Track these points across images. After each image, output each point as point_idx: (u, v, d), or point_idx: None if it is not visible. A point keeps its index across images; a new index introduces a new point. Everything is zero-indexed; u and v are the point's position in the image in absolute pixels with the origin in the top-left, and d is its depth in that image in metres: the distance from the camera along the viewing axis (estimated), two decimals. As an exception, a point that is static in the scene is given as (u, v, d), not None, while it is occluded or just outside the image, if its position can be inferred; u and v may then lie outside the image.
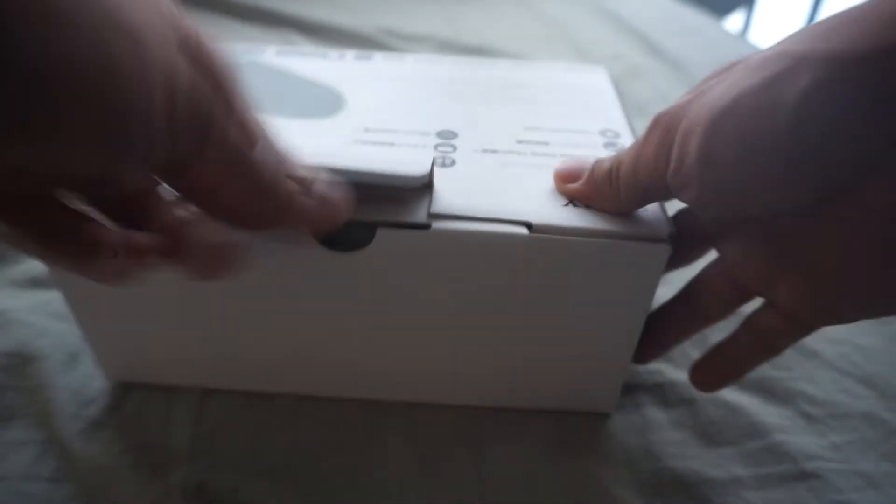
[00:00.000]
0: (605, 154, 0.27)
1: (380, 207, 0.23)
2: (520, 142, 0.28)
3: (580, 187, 0.24)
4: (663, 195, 0.22)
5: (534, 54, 0.64)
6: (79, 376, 0.30)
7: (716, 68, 0.21)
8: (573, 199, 0.24)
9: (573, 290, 0.25)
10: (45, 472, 0.26)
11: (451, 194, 0.24)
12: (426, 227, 0.23)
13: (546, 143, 0.28)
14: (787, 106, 0.17)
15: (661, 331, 0.27)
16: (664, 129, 0.20)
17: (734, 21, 1.47)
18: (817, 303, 0.21)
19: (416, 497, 0.27)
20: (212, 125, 0.16)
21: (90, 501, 0.26)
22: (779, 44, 0.18)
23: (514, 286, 0.25)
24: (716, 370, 0.26)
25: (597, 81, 0.35)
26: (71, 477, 0.26)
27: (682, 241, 0.24)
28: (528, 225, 0.23)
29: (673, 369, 0.32)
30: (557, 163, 0.25)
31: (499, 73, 0.35)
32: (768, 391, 0.31)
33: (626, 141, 0.29)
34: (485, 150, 0.27)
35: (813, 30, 0.18)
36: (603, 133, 0.29)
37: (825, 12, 1.31)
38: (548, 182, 0.25)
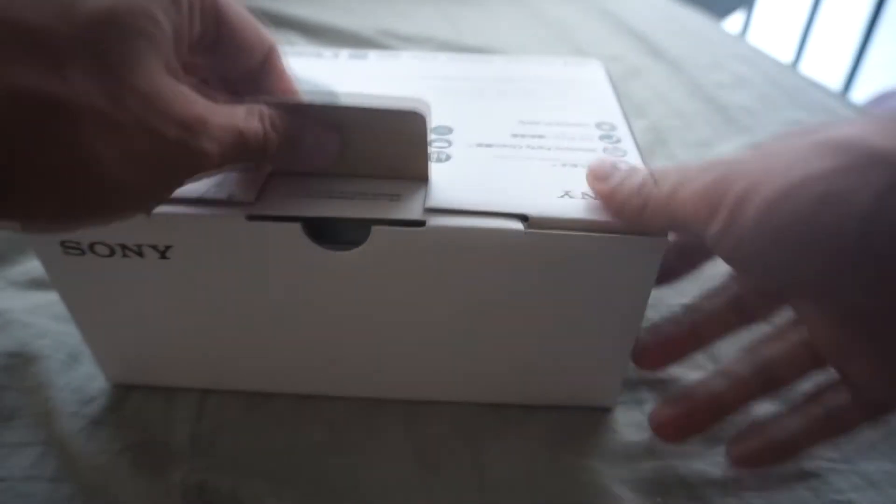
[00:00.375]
0: (600, 146, 0.27)
1: (375, 204, 0.23)
2: (515, 136, 0.28)
3: (607, 188, 0.23)
4: (689, 236, 0.21)
5: (533, 55, 0.64)
6: (79, 376, 0.30)
7: (783, 129, 0.21)
8: (597, 197, 0.24)
9: (571, 284, 0.25)
10: (45, 472, 0.26)
11: (446, 189, 0.24)
12: (421, 223, 0.23)
13: (542, 137, 0.28)
14: (859, 206, 0.16)
15: (692, 329, 0.27)
16: (718, 179, 0.20)
17: (734, 22, 1.47)
18: (891, 382, 0.20)
19: (416, 495, 0.27)
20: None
21: (90, 501, 0.26)
22: (853, 124, 0.18)
23: (511, 280, 0.25)
24: (770, 448, 0.25)
25: (592, 75, 0.35)
26: (71, 477, 0.26)
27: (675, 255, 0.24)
28: (525, 217, 0.23)
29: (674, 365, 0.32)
30: (558, 155, 0.26)
31: (493, 68, 0.35)
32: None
33: (622, 134, 0.29)
34: (480, 145, 0.27)
35: (889, 122, 0.17)
36: (599, 126, 0.29)
37: (823, 15, 1.31)
38: (544, 175, 0.25)
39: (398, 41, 0.67)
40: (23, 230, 0.18)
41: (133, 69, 0.15)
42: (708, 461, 0.28)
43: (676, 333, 0.27)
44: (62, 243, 0.24)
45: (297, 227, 0.23)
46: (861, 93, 1.22)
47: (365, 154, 0.24)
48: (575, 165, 0.26)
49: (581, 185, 0.25)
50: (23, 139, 0.14)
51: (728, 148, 0.51)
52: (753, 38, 1.42)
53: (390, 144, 0.23)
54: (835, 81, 1.20)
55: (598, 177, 0.24)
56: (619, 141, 0.28)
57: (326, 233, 0.23)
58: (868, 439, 0.29)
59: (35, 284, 0.35)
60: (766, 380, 0.25)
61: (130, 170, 0.16)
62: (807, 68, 0.81)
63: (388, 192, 0.24)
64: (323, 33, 0.68)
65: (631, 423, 0.30)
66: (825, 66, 1.31)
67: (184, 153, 0.17)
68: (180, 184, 0.18)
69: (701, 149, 0.51)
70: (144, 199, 0.18)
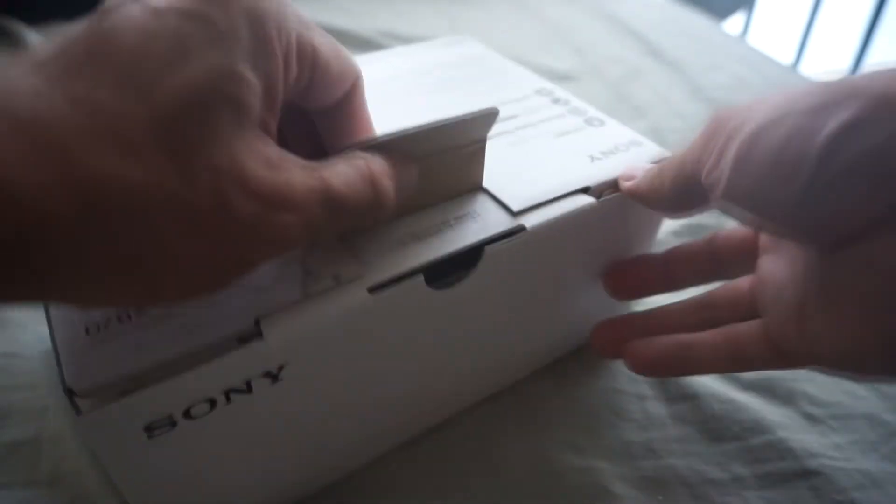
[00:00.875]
0: (561, 111, 0.30)
1: (465, 228, 0.22)
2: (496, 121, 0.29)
3: (635, 183, 0.24)
4: (702, 190, 0.21)
5: (533, 56, 0.64)
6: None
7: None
8: (627, 194, 0.25)
9: (613, 238, 0.27)
10: (42, 475, 0.26)
11: (504, 189, 0.24)
12: (521, 229, 0.23)
13: (515, 116, 0.29)
14: (821, 134, 0.16)
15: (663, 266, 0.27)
16: (716, 123, 0.20)
17: (734, 23, 1.47)
18: (804, 338, 0.20)
19: (427, 487, 0.27)
20: None
21: (89, 502, 0.25)
22: (851, 76, 0.18)
23: (578, 251, 0.26)
24: (665, 353, 0.24)
25: (477, 50, 0.36)
26: (69, 482, 0.26)
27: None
28: (586, 189, 0.25)
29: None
30: (546, 127, 0.28)
31: (396, 64, 0.34)
32: (769, 391, 0.31)
33: (565, 96, 0.31)
34: None
35: (881, 71, 0.17)
36: (540, 93, 0.31)
37: (824, 16, 1.31)
38: (555, 148, 0.27)
39: (398, 42, 0.67)
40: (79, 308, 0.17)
41: (211, 145, 0.14)
42: (709, 460, 0.28)
43: (650, 264, 0.28)
44: (147, 428, 0.18)
45: (420, 279, 0.21)
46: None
47: (425, 183, 0.22)
48: (568, 132, 0.28)
49: (594, 147, 0.27)
50: (95, 224, 0.13)
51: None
52: (754, 39, 1.42)
53: (448, 164, 0.22)
54: (835, 82, 1.20)
55: (625, 178, 0.25)
56: (568, 103, 0.30)
57: (435, 274, 0.22)
58: (870, 440, 0.29)
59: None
60: (707, 317, 0.25)
61: (199, 249, 0.15)
62: (807, 69, 0.81)
63: (457, 214, 0.23)
64: (323, 34, 0.68)
65: (632, 421, 0.30)
66: (825, 66, 1.31)
67: (259, 230, 0.15)
68: (257, 261, 0.16)
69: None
70: (215, 282, 0.16)
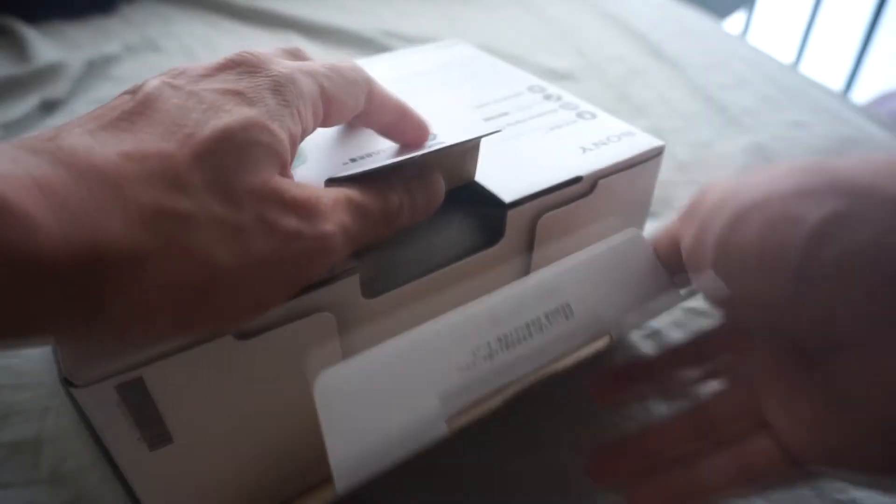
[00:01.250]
0: (553, 107, 0.30)
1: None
2: (486, 119, 0.29)
3: None
4: (680, 269, 0.20)
5: (534, 55, 0.64)
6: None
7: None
8: None
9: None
10: (43, 474, 0.26)
11: (489, 182, 0.25)
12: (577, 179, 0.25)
13: (506, 114, 0.30)
14: (804, 230, 0.16)
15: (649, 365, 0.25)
16: (698, 193, 0.20)
17: (734, 22, 1.47)
18: (816, 440, 0.18)
19: (426, 487, 0.27)
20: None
21: (90, 501, 0.26)
22: (832, 160, 0.17)
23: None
24: (672, 494, 0.21)
25: (469, 52, 0.37)
26: (71, 480, 0.26)
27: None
28: (578, 179, 0.25)
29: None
30: (538, 123, 0.29)
31: (388, 67, 0.35)
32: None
33: (558, 92, 0.32)
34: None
35: (864, 160, 0.16)
36: (532, 90, 0.32)
37: (824, 15, 1.31)
38: (548, 142, 0.28)
39: (400, 41, 0.67)
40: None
41: (248, 174, 0.16)
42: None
43: (632, 366, 0.26)
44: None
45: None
46: (861, 93, 1.22)
47: None
48: (560, 126, 0.28)
49: (586, 139, 0.28)
50: (150, 251, 0.15)
51: (728, 148, 0.51)
52: (754, 38, 1.42)
53: (443, 161, 0.23)
54: (835, 81, 1.20)
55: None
56: (560, 98, 0.31)
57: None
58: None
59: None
60: (702, 429, 0.23)
61: (253, 269, 0.16)
62: (807, 68, 0.81)
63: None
64: (323, 33, 0.68)
65: (632, 418, 0.30)
66: (826, 66, 1.31)
67: (303, 242, 0.17)
68: (308, 275, 0.18)
69: (701, 149, 0.51)
70: (272, 297, 0.18)
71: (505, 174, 0.25)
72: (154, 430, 0.19)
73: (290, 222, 0.17)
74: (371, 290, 0.22)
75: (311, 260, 0.18)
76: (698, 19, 0.78)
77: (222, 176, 0.16)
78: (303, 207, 0.17)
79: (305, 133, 0.20)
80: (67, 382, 0.17)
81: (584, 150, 0.27)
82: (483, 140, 0.25)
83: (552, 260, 0.24)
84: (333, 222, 0.18)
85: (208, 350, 0.19)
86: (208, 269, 0.15)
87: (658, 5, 0.81)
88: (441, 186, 0.22)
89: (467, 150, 0.24)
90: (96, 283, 0.14)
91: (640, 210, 0.30)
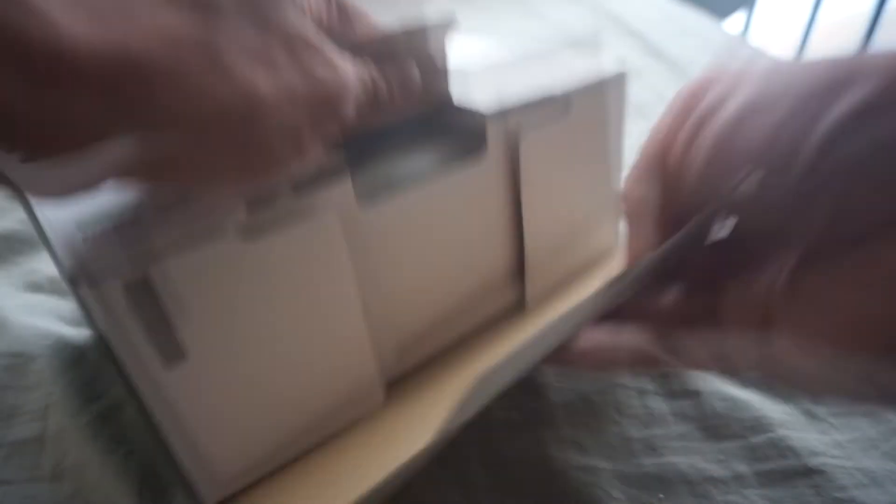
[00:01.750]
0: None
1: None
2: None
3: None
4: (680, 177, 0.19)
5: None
6: (81, 375, 0.30)
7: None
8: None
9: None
10: (46, 472, 0.26)
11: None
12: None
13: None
14: (825, 121, 0.14)
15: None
16: (684, 100, 0.19)
17: (734, 22, 1.47)
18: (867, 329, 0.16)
19: (426, 485, 0.27)
20: None
21: (90, 501, 0.26)
22: (860, 52, 0.16)
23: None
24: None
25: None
26: (71, 477, 0.26)
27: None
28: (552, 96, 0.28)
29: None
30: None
31: None
32: (770, 389, 0.31)
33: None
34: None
35: (882, 50, 0.15)
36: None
37: (824, 15, 1.31)
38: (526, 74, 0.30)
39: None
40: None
41: (281, 15, 0.16)
42: (709, 458, 0.28)
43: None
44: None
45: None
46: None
47: None
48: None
49: (562, 72, 0.30)
50: (187, 77, 0.14)
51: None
52: (754, 38, 1.42)
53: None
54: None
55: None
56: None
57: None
58: (871, 438, 0.29)
59: (35, 287, 0.35)
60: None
61: (288, 107, 0.16)
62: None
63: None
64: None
65: (633, 417, 0.30)
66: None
67: (329, 84, 0.17)
68: (332, 122, 0.18)
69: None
70: (304, 141, 0.18)
71: (487, 99, 0.27)
72: (166, 340, 0.19)
73: (317, 61, 0.17)
74: (366, 199, 0.23)
75: (336, 104, 0.18)
76: (698, 19, 0.78)
77: (258, 13, 0.16)
78: (325, 52, 0.18)
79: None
80: (76, 282, 0.17)
81: (560, 79, 0.30)
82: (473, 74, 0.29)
83: (541, 191, 0.29)
84: (353, 80, 0.19)
85: (214, 252, 0.19)
86: (248, 95, 0.15)
87: (658, 5, 0.81)
88: (412, 67, 0.23)
89: (429, 37, 0.24)
90: (138, 89, 0.13)
91: (615, 138, 0.33)
